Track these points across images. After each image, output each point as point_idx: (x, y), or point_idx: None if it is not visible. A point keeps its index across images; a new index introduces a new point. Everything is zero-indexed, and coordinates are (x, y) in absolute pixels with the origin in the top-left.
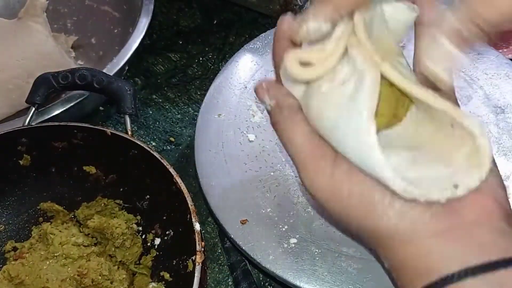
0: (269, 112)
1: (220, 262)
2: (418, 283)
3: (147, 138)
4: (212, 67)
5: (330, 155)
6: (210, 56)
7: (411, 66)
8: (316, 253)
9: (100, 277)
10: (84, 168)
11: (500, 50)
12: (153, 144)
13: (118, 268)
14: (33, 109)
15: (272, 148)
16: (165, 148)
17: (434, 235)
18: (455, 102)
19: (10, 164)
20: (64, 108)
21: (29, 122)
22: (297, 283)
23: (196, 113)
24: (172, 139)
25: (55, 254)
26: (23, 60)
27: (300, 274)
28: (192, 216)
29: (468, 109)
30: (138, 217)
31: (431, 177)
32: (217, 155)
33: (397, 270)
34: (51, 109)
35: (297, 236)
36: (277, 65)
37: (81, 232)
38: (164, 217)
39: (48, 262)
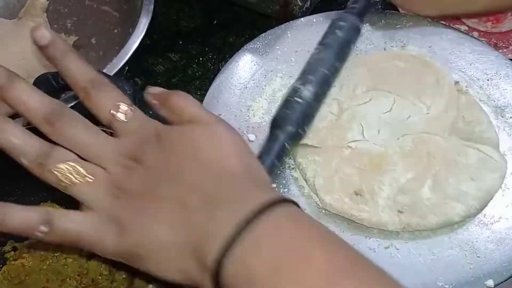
0: None
1: None
2: None
3: None
4: (212, 67)
5: None
6: (210, 56)
7: None
8: None
9: (100, 277)
10: None
11: (500, 50)
12: None
13: (118, 268)
14: None
15: None
16: None
17: None
18: None
19: (10, 164)
20: None
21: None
22: None
23: None
24: None
25: (55, 254)
26: (23, 60)
27: None
28: None
29: None
30: None
31: None
32: None
33: None
34: None
35: None
36: None
37: None
38: None
39: (48, 262)
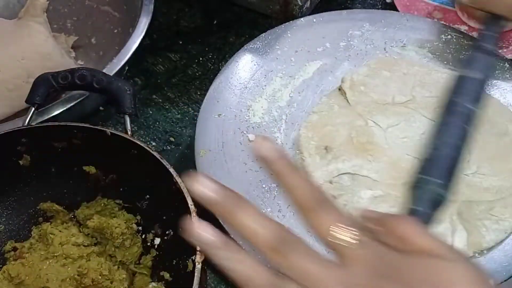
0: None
1: None
2: None
3: (147, 138)
4: (212, 67)
5: None
6: (210, 56)
7: None
8: None
9: (100, 277)
10: (84, 168)
11: (500, 50)
12: (153, 144)
13: (118, 268)
14: (33, 109)
15: None
16: (165, 148)
17: None
18: None
19: (10, 164)
20: (64, 108)
21: (29, 122)
22: None
23: (196, 113)
24: (172, 139)
25: (55, 254)
26: (23, 60)
27: None
28: (192, 216)
29: None
30: (138, 217)
31: None
32: (217, 155)
33: None
34: (51, 109)
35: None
36: None
37: (81, 232)
38: (164, 217)
39: (48, 262)
